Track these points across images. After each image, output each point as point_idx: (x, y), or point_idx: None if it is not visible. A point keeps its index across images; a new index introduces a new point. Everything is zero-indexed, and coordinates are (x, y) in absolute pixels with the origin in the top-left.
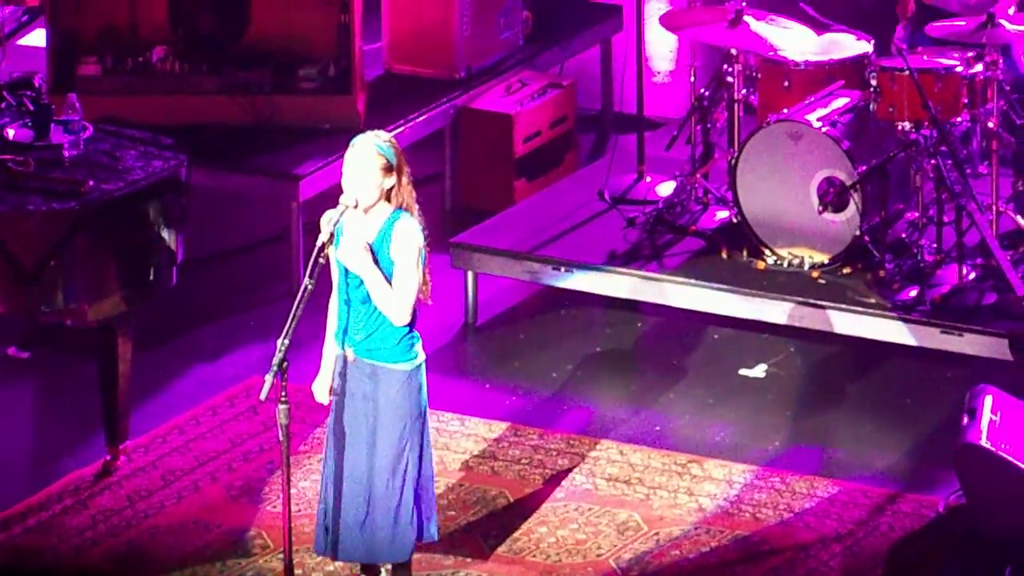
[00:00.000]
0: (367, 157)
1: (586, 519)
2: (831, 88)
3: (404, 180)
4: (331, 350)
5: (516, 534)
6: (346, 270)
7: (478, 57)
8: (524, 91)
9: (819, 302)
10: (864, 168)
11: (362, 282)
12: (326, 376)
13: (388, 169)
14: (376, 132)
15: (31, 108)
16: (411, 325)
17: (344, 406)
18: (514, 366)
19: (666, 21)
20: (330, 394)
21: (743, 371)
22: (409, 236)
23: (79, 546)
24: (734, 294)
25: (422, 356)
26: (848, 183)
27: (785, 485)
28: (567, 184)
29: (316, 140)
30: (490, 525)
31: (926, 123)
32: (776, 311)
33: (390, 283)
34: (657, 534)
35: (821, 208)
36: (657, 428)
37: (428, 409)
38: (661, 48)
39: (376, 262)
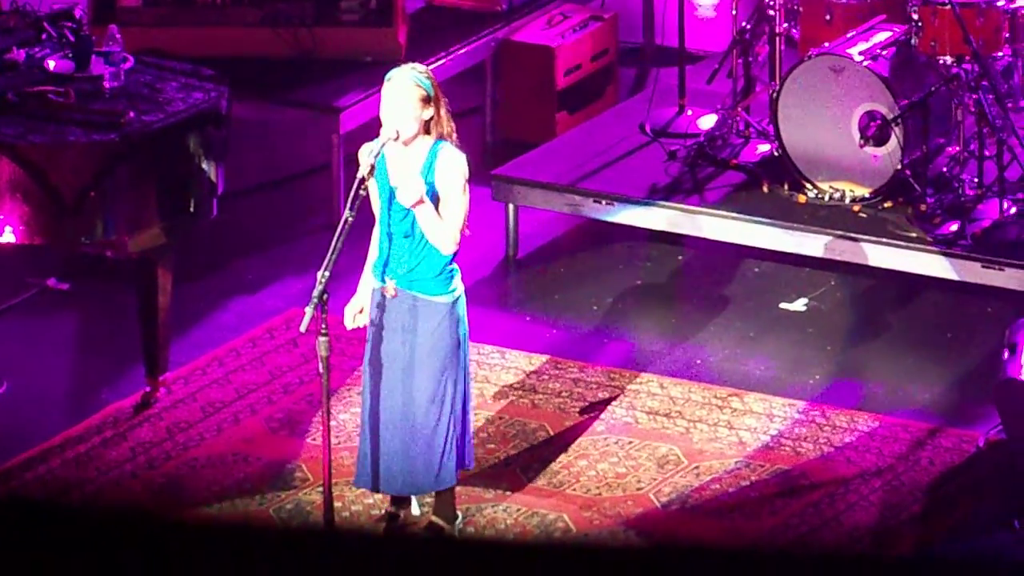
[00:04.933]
0: (405, 89)
1: (626, 452)
2: (873, 22)
3: (442, 111)
4: (369, 278)
5: (556, 467)
6: (388, 203)
7: None
8: (566, 24)
9: (860, 236)
10: (905, 102)
11: (405, 215)
12: (359, 300)
13: (426, 100)
14: (412, 64)
15: (72, 39)
16: (452, 257)
17: (382, 339)
18: (554, 299)
19: None
20: (369, 325)
21: (784, 305)
22: (453, 165)
23: (118, 478)
24: (775, 228)
25: (461, 288)
26: (889, 117)
27: (825, 419)
28: (608, 117)
29: (357, 72)
30: (530, 458)
31: (967, 57)
32: (817, 245)
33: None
34: (697, 468)
35: (862, 142)
36: (698, 361)
37: (468, 341)
38: None
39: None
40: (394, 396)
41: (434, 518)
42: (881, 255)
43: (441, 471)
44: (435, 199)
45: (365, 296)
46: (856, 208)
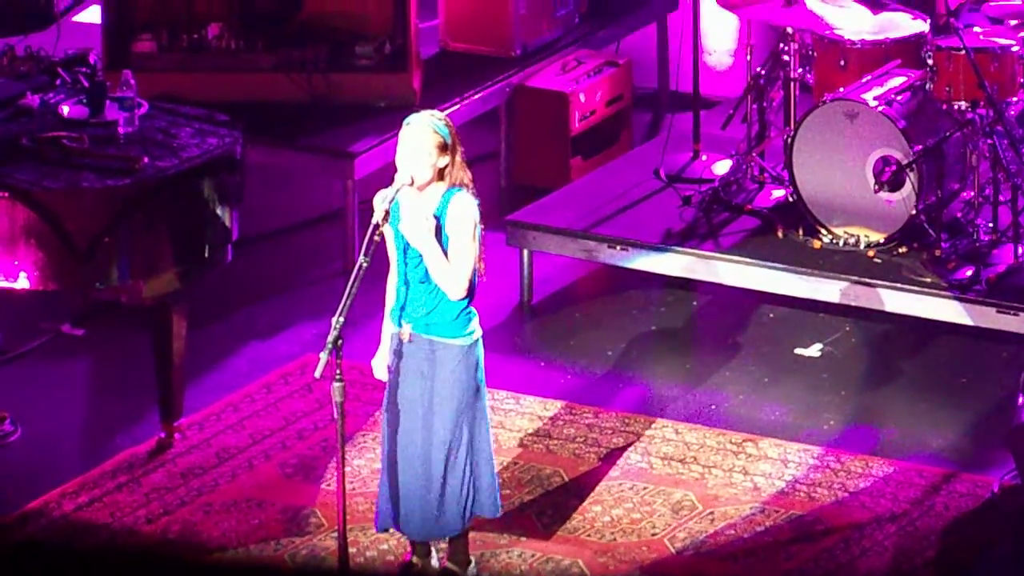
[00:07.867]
0: (423, 136)
1: (641, 498)
2: (887, 67)
3: (458, 159)
4: (389, 326)
5: (570, 513)
6: (404, 249)
7: (534, 35)
8: (580, 69)
9: (874, 281)
10: (920, 147)
11: (421, 260)
12: (385, 352)
13: (443, 148)
14: (431, 111)
15: (86, 85)
16: (468, 301)
17: (400, 384)
18: (569, 344)
19: (722, 0)
20: (388, 371)
21: (798, 350)
22: (464, 211)
23: (132, 524)
24: (790, 273)
25: (479, 332)
26: (904, 162)
27: (840, 464)
28: (623, 162)
29: (371, 118)
30: (545, 503)
31: (982, 102)
32: (831, 290)
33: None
34: (712, 513)
35: (877, 187)
36: (712, 407)
37: (485, 386)
38: (717, 27)
39: (436, 237)
40: (413, 441)
41: (448, 564)
42: (896, 300)
43: (457, 517)
44: (446, 244)
45: (389, 345)
46: (871, 253)
